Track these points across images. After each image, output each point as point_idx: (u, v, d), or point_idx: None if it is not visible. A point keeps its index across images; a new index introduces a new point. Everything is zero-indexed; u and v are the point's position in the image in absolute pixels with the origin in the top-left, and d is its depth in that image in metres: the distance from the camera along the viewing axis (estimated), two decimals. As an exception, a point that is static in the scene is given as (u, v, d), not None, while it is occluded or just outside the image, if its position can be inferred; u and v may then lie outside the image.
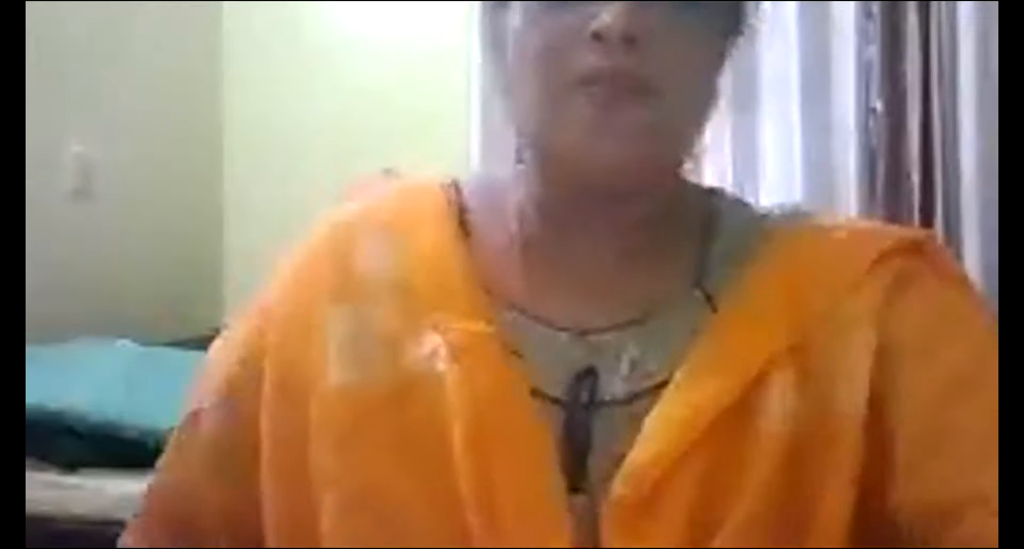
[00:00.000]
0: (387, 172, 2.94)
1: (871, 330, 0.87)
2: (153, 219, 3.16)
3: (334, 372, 0.91)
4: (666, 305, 0.91)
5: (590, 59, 0.85)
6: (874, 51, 2.68)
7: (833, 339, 0.88)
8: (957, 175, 2.59)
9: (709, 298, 0.91)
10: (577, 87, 0.85)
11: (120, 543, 1.05)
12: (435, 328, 0.89)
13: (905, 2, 2.64)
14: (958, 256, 2.57)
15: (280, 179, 3.34)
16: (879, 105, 2.68)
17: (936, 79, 2.60)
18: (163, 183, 3.21)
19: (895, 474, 0.85)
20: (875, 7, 2.68)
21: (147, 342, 2.68)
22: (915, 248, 0.93)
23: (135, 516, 1.05)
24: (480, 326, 0.89)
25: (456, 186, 0.99)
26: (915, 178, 2.64)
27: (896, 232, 0.97)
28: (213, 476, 0.99)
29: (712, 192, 0.99)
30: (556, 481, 0.85)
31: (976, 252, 2.54)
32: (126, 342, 2.63)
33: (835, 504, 0.85)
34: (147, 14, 3.13)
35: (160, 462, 1.05)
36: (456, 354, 0.87)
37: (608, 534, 0.83)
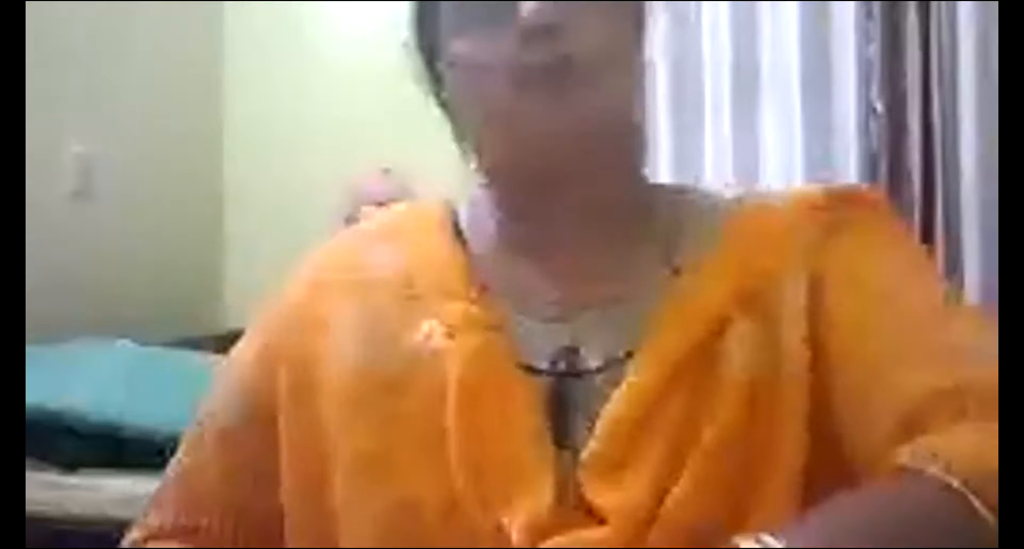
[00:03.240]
0: (386, 172, 2.94)
1: (804, 272, 0.95)
2: (153, 219, 3.15)
3: (343, 357, 0.99)
4: (638, 285, 0.98)
5: (523, 56, 0.92)
6: (874, 50, 2.68)
7: (778, 288, 0.95)
8: (957, 175, 2.59)
9: (676, 272, 0.98)
10: (517, 90, 0.93)
11: (126, 542, 1.09)
12: (432, 313, 0.98)
13: (905, 2, 2.64)
14: (958, 256, 2.58)
15: (280, 179, 3.34)
16: (879, 105, 2.68)
17: (936, 79, 2.60)
18: (163, 183, 3.21)
19: (836, 401, 0.91)
20: (875, 7, 2.68)
21: (147, 342, 2.68)
22: (848, 199, 1.00)
23: (144, 515, 1.09)
24: (472, 309, 0.98)
25: (451, 205, 1.08)
26: (915, 178, 2.64)
27: (832, 187, 1.03)
28: (227, 477, 1.05)
29: (683, 189, 1.08)
30: (542, 438, 0.93)
31: (976, 252, 2.54)
32: (126, 342, 2.63)
33: (790, 445, 0.91)
34: (147, 14, 3.13)
35: (177, 459, 1.09)
36: (450, 333, 0.96)
37: (587, 486, 0.91)
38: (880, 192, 1.08)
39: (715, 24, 2.83)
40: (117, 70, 3.06)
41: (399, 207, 1.13)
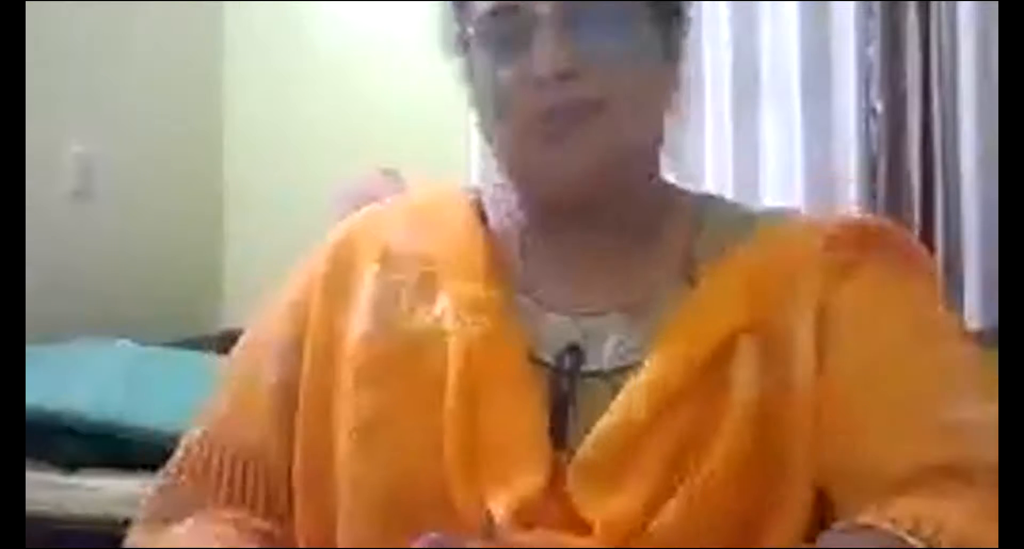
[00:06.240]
0: (386, 172, 2.94)
1: (812, 310, 0.93)
2: (153, 219, 3.15)
3: (359, 325, 1.01)
4: (655, 293, 0.98)
5: (537, 100, 0.94)
6: (874, 51, 2.68)
7: (786, 318, 0.94)
8: (957, 175, 2.59)
9: (692, 284, 0.98)
10: (531, 125, 0.95)
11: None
12: (447, 292, 0.99)
13: (905, 2, 2.64)
14: (958, 256, 2.58)
15: (280, 179, 3.34)
16: (879, 105, 2.68)
17: (936, 79, 2.60)
18: (163, 183, 3.21)
19: (825, 448, 0.90)
20: (875, 7, 2.68)
21: (147, 342, 2.68)
22: (862, 237, 0.98)
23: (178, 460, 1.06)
24: (486, 292, 0.99)
25: (477, 191, 1.10)
26: (915, 178, 2.64)
27: (847, 222, 1.02)
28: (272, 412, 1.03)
29: (709, 197, 1.07)
30: (539, 433, 0.93)
31: (976, 252, 2.54)
32: (126, 342, 2.63)
33: (799, 473, 0.90)
34: (147, 14, 3.13)
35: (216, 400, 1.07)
36: (460, 313, 0.97)
37: (576, 492, 0.90)
38: (897, 229, 1.04)
39: (715, 24, 2.83)
40: (117, 70, 3.06)
41: (428, 190, 1.14)
